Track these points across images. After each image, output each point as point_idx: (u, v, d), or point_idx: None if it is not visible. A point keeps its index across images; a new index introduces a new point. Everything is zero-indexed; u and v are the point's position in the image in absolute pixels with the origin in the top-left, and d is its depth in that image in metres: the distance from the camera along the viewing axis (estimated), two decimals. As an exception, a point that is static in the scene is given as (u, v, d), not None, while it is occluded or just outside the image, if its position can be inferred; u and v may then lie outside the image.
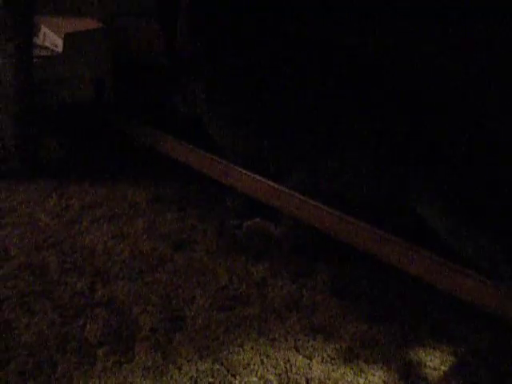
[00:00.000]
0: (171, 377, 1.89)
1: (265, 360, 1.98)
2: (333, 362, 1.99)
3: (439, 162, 2.36)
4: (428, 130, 2.42)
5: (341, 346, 2.05)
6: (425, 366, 2.00)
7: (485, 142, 2.34)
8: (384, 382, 1.91)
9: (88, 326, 2.09)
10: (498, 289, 1.90)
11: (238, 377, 1.91)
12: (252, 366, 1.95)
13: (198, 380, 1.89)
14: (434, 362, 2.01)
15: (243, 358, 1.98)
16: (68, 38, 3.21)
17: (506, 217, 2.23)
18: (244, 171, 2.54)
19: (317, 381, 1.91)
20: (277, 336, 2.08)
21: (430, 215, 2.22)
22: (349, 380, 1.91)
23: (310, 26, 2.64)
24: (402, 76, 2.48)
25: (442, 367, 1.99)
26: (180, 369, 1.92)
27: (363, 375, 1.94)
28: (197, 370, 1.92)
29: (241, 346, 2.04)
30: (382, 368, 1.96)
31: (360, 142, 2.42)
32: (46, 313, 2.13)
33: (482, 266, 2.07)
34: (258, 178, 2.49)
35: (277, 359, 1.99)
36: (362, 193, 2.37)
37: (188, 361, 1.96)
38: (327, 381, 1.91)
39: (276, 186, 2.43)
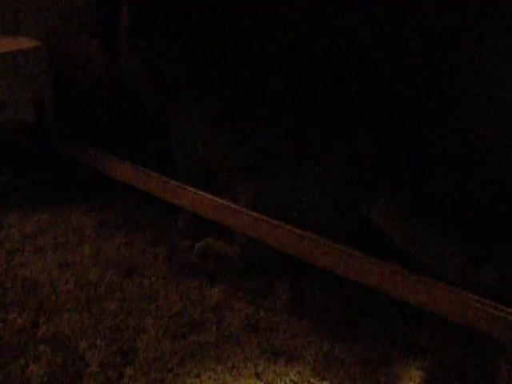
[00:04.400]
0: (123, 416, 1.76)
1: (224, 390, 1.86)
2: (296, 386, 1.87)
3: (389, 167, 2.29)
4: (375, 135, 2.36)
5: (304, 369, 1.93)
6: (393, 383, 1.90)
7: (436, 145, 2.28)
8: (351, 404, 1.81)
9: (31, 365, 1.92)
10: (459, 294, 1.81)
11: (195, 411, 1.78)
12: (210, 398, 1.83)
13: (153, 417, 1.75)
14: (403, 379, 1.92)
15: (200, 390, 1.86)
16: (2, 59, 3.05)
17: (465, 220, 2.17)
18: (192, 189, 2.41)
19: (280, 409, 1.79)
20: (236, 363, 1.96)
21: (384, 223, 2.13)
22: (314, 405, 1.81)
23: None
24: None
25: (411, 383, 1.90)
26: (132, 406, 1.79)
27: (329, 399, 1.83)
28: (150, 406, 1.79)
29: (198, 376, 1.90)
30: (348, 390, 1.86)
31: (309, 153, 2.33)
32: (-18, 354, 1.97)
33: (442, 272, 1.99)
34: (208, 195, 2.36)
35: (237, 388, 1.86)
36: (314, 206, 2.27)
37: (141, 397, 1.82)
38: (291, 408, 1.80)
39: (227, 203, 2.31)
